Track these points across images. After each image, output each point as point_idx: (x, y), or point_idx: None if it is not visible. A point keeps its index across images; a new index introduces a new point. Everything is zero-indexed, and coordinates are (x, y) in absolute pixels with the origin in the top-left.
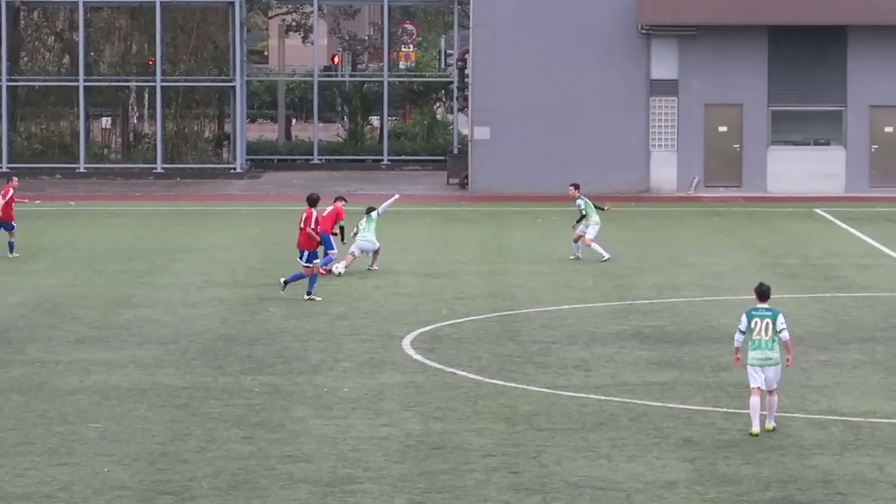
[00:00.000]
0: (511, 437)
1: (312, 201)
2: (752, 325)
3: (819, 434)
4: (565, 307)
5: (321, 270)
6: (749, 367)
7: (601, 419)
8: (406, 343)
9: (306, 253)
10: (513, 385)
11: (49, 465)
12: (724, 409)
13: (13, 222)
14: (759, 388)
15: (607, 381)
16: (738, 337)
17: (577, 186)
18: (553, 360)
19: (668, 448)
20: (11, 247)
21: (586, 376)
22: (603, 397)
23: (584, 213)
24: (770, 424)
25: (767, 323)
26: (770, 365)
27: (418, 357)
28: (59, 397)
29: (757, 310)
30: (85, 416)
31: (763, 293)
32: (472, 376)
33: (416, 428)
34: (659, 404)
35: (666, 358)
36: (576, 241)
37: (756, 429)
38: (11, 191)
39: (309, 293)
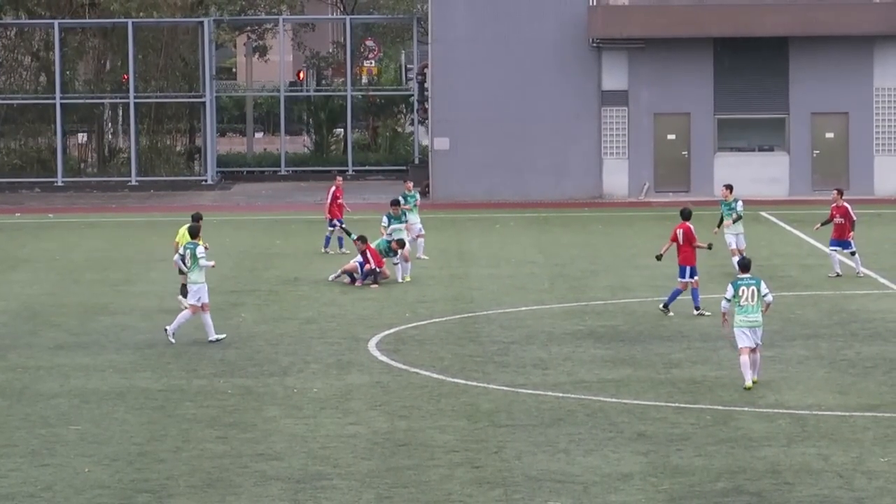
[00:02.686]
0: (473, 433)
1: (686, 215)
2: (740, 293)
3: (767, 427)
4: (523, 309)
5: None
6: (738, 330)
7: (559, 415)
8: (372, 345)
9: (688, 268)
10: (474, 384)
11: (32, 466)
12: (676, 405)
13: None
14: (748, 347)
15: (564, 379)
16: (724, 304)
17: (730, 188)
18: (512, 359)
19: (623, 442)
20: None
21: (544, 374)
22: (560, 394)
23: (740, 215)
24: (755, 377)
25: (753, 290)
26: (757, 326)
27: (384, 358)
28: (41, 401)
29: (742, 279)
30: (65, 419)
31: (746, 265)
32: (435, 376)
33: (383, 426)
34: (614, 400)
35: (620, 356)
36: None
37: (749, 383)
38: None
39: (697, 308)
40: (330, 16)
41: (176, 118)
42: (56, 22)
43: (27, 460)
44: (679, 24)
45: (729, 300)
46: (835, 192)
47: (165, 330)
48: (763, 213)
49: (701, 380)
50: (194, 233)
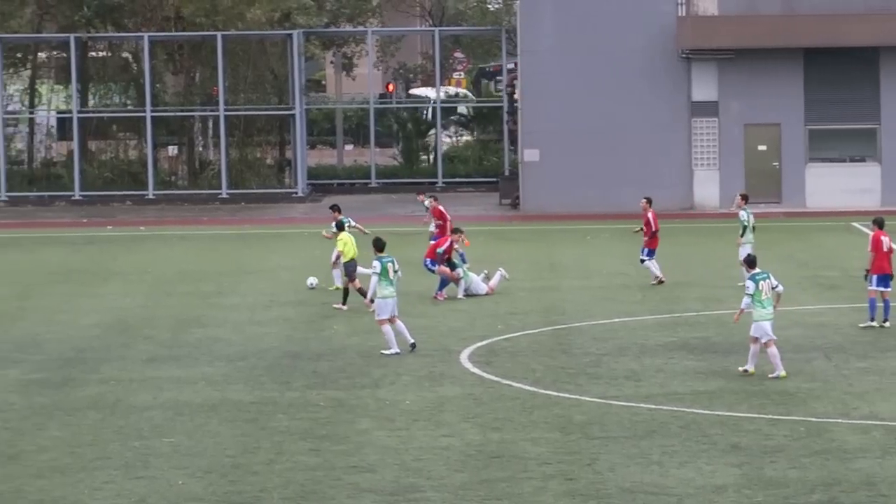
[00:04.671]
0: (566, 445)
1: (880, 223)
2: (760, 288)
3: (861, 438)
4: (615, 320)
5: None
6: (762, 324)
7: (652, 427)
8: (464, 357)
9: (881, 277)
10: (566, 395)
11: (126, 478)
12: (770, 416)
13: None
14: (773, 339)
15: (657, 391)
16: (746, 301)
17: (745, 198)
18: (604, 371)
19: (716, 454)
20: None
21: (637, 386)
22: (653, 406)
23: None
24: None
25: (767, 283)
26: (772, 319)
27: (476, 370)
28: (134, 413)
29: (758, 274)
30: (159, 431)
31: (753, 261)
32: (527, 388)
33: (476, 438)
34: (707, 412)
35: (713, 367)
36: None
37: (784, 372)
38: None
39: (886, 320)
40: (418, 28)
41: (266, 131)
42: (146, 35)
43: (121, 473)
44: (769, 34)
45: (752, 296)
46: None
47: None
48: (855, 224)
49: (794, 391)
50: (381, 247)
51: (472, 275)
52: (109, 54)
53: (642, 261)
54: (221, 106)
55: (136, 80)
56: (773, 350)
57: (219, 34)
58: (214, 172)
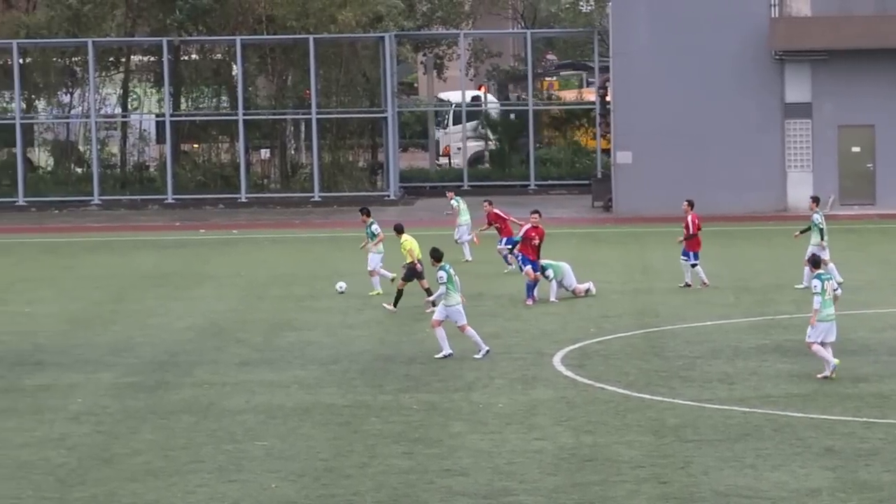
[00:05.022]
0: (659, 448)
1: None
2: (825, 287)
3: None
4: (708, 323)
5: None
6: (827, 324)
7: (746, 430)
8: (556, 360)
9: None
10: (659, 399)
11: (219, 481)
12: (864, 419)
13: None
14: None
15: (751, 394)
16: (819, 300)
17: (815, 201)
18: (698, 374)
19: (810, 457)
20: None
21: (730, 389)
22: (747, 409)
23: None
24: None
25: (830, 284)
26: (834, 320)
27: (568, 373)
28: (227, 417)
29: (822, 274)
30: (252, 435)
31: (819, 262)
32: (620, 391)
33: (568, 441)
34: (801, 415)
35: (806, 370)
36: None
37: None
38: None
39: None
40: (511, 30)
41: (358, 134)
42: (238, 38)
43: (214, 476)
44: (862, 35)
45: (820, 294)
46: None
47: (486, 351)
48: None
49: (889, 394)
50: (439, 257)
51: (563, 265)
52: (201, 58)
53: (693, 264)
54: (314, 109)
55: (228, 83)
56: (830, 352)
57: (310, 37)
58: (307, 175)
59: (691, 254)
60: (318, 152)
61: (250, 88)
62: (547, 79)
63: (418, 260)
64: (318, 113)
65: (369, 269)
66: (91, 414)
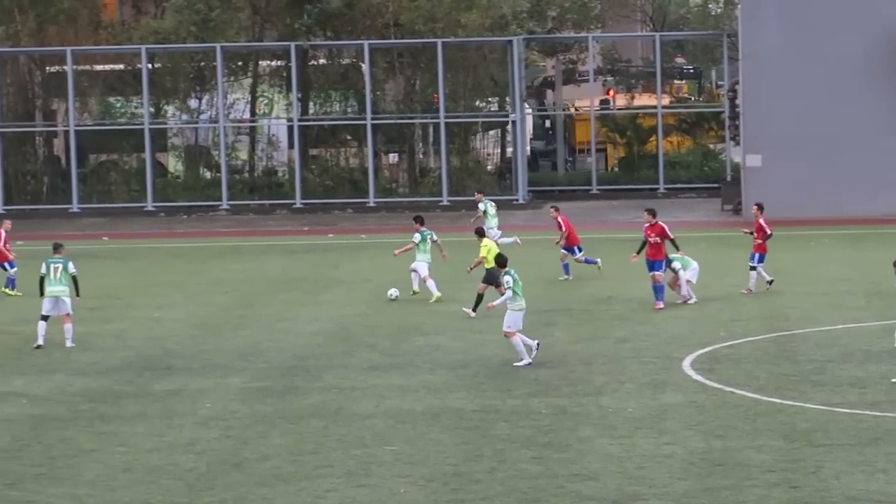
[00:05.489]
0: (790, 453)
1: None
2: None
3: None
4: (839, 327)
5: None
6: None
7: (877, 434)
8: (686, 364)
9: None
10: (790, 403)
11: (348, 486)
12: None
13: (13, 262)
14: None
15: (882, 398)
16: None
17: None
18: (828, 378)
19: None
20: (12, 283)
21: (861, 393)
22: (878, 413)
23: None
24: None
25: None
26: None
27: (698, 377)
28: (356, 422)
29: None
30: (381, 440)
31: None
32: (750, 395)
33: (698, 445)
34: None
35: None
36: None
37: None
38: (4, 233)
39: None
40: (639, 33)
41: (486, 137)
42: (366, 43)
43: (344, 481)
44: None
45: None
46: None
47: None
48: None
49: None
50: (504, 262)
51: (692, 262)
52: (329, 62)
53: (752, 266)
54: (442, 112)
55: (356, 87)
56: None
57: (439, 41)
58: (435, 179)
59: (756, 255)
60: (446, 156)
61: (378, 92)
62: (676, 81)
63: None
64: (446, 117)
65: (421, 276)
66: (220, 419)
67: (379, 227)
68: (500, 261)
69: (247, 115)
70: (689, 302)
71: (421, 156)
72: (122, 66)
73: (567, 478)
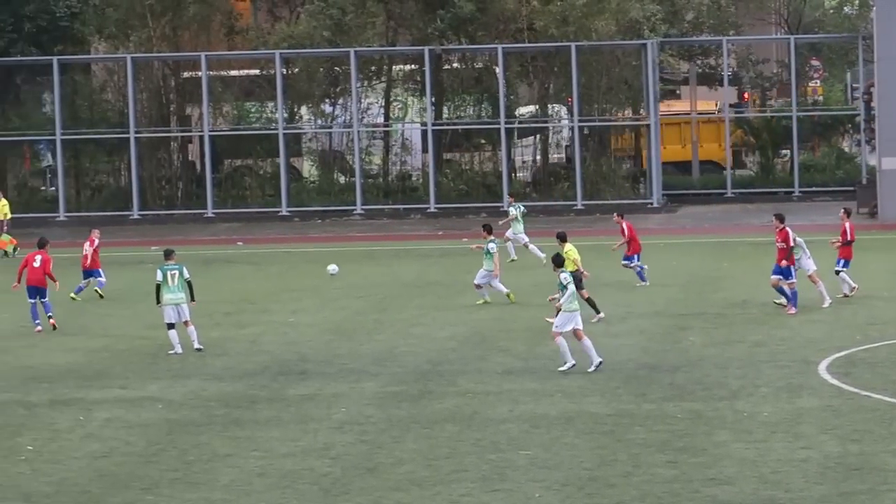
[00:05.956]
0: None
1: None
2: None
3: None
4: None
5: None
6: None
7: None
8: (822, 368)
9: None
10: None
11: (483, 491)
12: None
13: (100, 269)
14: None
15: None
16: None
17: None
18: None
19: None
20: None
21: None
22: None
23: None
24: None
25: None
26: None
27: (834, 381)
28: (491, 426)
29: None
30: (515, 444)
31: None
32: (887, 399)
33: (834, 450)
34: None
35: None
36: None
37: None
38: (96, 241)
39: None
40: (774, 36)
41: (621, 141)
42: (499, 47)
43: (478, 485)
44: None
45: None
46: None
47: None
48: None
49: None
50: (561, 262)
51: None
52: (463, 66)
53: (837, 272)
54: (576, 116)
55: (490, 91)
56: None
57: (572, 44)
58: (569, 183)
59: (842, 260)
60: (580, 160)
61: (511, 97)
62: (810, 84)
63: (582, 269)
64: (580, 121)
65: (475, 282)
66: (355, 423)
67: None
68: (558, 260)
69: (381, 120)
70: (789, 310)
71: (555, 159)
72: (256, 71)
73: (702, 482)
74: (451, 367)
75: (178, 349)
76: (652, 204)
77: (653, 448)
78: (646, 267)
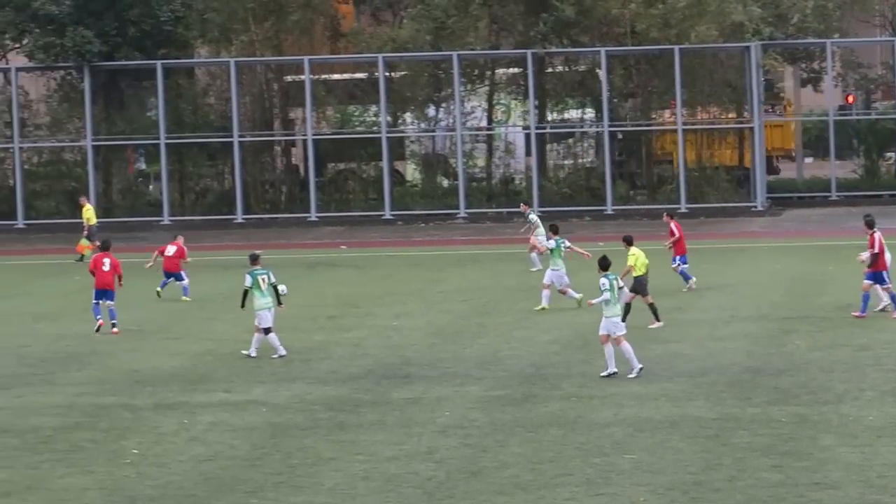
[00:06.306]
0: None
1: None
2: None
3: None
4: None
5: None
6: None
7: None
8: None
9: None
10: None
11: (587, 495)
12: None
13: (182, 273)
14: None
15: None
16: None
17: None
18: None
19: None
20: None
21: None
22: None
23: None
24: None
25: None
26: None
27: None
28: (595, 430)
29: None
30: (620, 448)
31: None
32: None
33: None
34: None
35: None
36: None
37: None
38: (179, 246)
39: None
40: (878, 38)
41: (724, 144)
42: (602, 50)
43: (583, 489)
44: None
45: None
46: None
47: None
48: None
49: None
50: (607, 266)
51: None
52: (566, 69)
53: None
54: (679, 119)
55: (593, 94)
56: None
57: (676, 47)
58: (673, 187)
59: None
60: (683, 163)
61: (615, 100)
62: None
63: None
64: (683, 124)
65: (544, 282)
66: (459, 427)
67: (617, 234)
68: (604, 263)
69: (484, 123)
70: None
71: (656, 163)
72: (360, 75)
73: (807, 486)
74: (554, 371)
75: (282, 351)
76: (756, 207)
77: (757, 452)
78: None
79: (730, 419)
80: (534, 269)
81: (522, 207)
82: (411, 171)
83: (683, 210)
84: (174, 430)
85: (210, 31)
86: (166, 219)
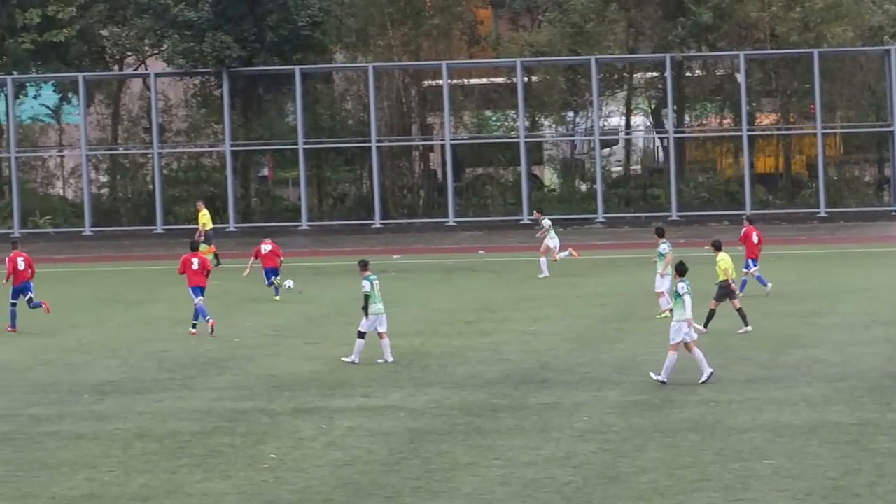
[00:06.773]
0: None
1: None
2: None
3: None
4: None
5: None
6: None
7: None
8: None
9: None
10: None
11: (726, 500)
12: None
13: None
14: None
15: None
16: None
17: None
18: None
19: None
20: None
21: None
22: None
23: None
24: None
25: None
26: None
27: None
28: (733, 435)
29: None
30: (758, 453)
31: None
32: None
33: None
34: None
35: None
36: None
37: None
38: (270, 247)
39: None
40: None
41: (864, 148)
42: (741, 54)
43: (721, 495)
44: None
45: None
46: None
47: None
48: None
49: None
50: (684, 271)
51: None
52: (705, 73)
53: None
54: (818, 123)
55: (732, 98)
56: None
57: (815, 51)
58: (811, 192)
59: None
60: (822, 167)
61: (754, 104)
62: None
63: (732, 280)
64: (822, 128)
65: (657, 290)
66: (597, 432)
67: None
68: (681, 269)
69: (622, 127)
70: None
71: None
72: (498, 80)
73: None
74: (692, 376)
75: (356, 359)
76: (895, 213)
77: None
78: (748, 280)
79: (869, 424)
80: (541, 276)
81: (536, 215)
82: (549, 176)
83: (822, 214)
84: (312, 435)
85: (347, 35)
86: (304, 224)
